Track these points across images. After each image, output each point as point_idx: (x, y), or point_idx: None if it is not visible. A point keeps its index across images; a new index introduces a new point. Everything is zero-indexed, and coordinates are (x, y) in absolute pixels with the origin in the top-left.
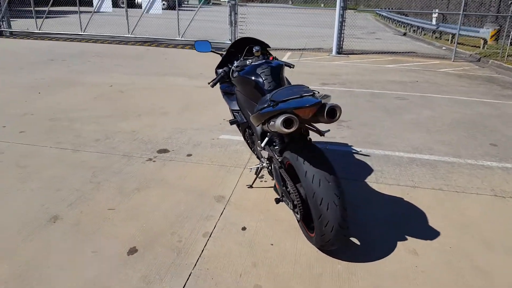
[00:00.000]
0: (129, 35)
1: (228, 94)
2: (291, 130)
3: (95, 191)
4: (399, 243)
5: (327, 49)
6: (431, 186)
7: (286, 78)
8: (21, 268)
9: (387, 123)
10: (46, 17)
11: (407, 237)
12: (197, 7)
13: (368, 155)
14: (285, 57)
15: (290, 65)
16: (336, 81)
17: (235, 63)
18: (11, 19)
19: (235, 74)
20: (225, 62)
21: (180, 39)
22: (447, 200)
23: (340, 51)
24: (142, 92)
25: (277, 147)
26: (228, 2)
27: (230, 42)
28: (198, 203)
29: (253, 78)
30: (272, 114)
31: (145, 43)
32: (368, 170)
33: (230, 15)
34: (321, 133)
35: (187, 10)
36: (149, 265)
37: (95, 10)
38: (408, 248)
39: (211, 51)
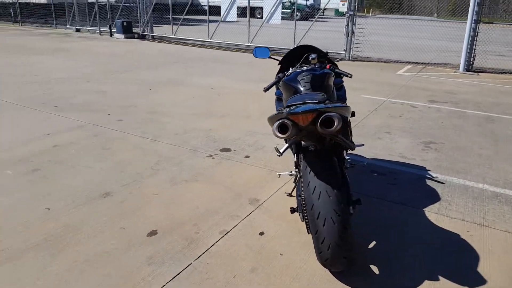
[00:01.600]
0: (249, 44)
1: (280, 100)
2: (286, 136)
3: (150, 177)
4: (426, 283)
5: (455, 65)
6: (505, 228)
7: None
8: (60, 229)
9: (488, 151)
10: (181, 24)
11: (440, 277)
12: (334, 17)
13: (443, 183)
14: (401, 71)
15: (346, 74)
16: (448, 99)
17: (290, 70)
18: (154, 25)
19: (281, 81)
20: (285, 69)
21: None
22: None
23: (469, 68)
24: (236, 96)
25: (300, 156)
26: (346, 12)
27: (344, 52)
28: (232, 201)
29: (292, 84)
30: (276, 119)
31: None
32: (434, 199)
33: (347, 25)
34: (350, 147)
35: (321, 21)
36: (159, 248)
37: (222, 19)
38: None
39: (269, 57)
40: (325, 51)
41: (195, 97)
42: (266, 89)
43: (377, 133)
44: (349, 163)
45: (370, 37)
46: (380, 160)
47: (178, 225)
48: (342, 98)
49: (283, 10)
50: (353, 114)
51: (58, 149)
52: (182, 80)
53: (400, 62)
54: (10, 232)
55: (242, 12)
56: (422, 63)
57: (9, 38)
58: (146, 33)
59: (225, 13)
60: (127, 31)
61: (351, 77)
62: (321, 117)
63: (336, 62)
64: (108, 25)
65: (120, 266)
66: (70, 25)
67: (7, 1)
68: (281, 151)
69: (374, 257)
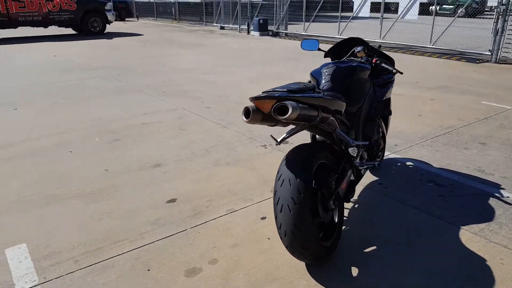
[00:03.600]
0: (380, 40)
1: None
2: (248, 120)
3: (201, 157)
4: None
5: None
6: None
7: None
8: (106, 186)
9: None
10: (313, 21)
11: None
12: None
13: (510, 204)
14: None
15: (392, 70)
16: None
17: None
18: (289, 23)
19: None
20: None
21: (431, 46)
22: None
23: None
24: None
25: None
26: (496, 7)
27: (489, 53)
28: (255, 187)
29: (315, 76)
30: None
31: (392, 49)
32: (483, 219)
33: (496, 22)
34: (347, 141)
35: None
36: (168, 213)
37: (354, 15)
38: None
39: (318, 49)
40: (376, 46)
41: None
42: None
43: (468, 143)
44: (359, 163)
45: None
46: (448, 170)
47: (196, 198)
48: (379, 95)
49: (444, 6)
50: (388, 113)
51: (144, 126)
52: (287, 75)
53: None
54: (69, 183)
55: (375, 7)
56: None
57: (163, 33)
58: (279, 31)
59: (358, 8)
60: (263, 28)
61: (395, 73)
62: (275, 104)
63: (478, 59)
64: (246, 23)
65: (131, 222)
66: (216, 23)
67: (168, 0)
68: (278, 139)
69: (363, 261)
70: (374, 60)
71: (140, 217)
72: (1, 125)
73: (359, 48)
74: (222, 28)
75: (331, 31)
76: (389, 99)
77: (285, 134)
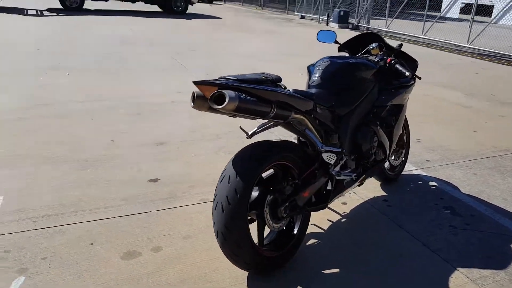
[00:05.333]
0: (467, 45)
1: None
2: (193, 105)
3: (208, 141)
4: None
5: None
6: None
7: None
8: (104, 156)
9: None
10: (397, 17)
11: None
12: None
13: None
14: None
15: (404, 73)
16: None
17: None
18: (372, 17)
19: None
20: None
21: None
22: None
23: None
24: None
25: None
26: None
27: None
28: None
29: (309, 70)
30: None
31: (479, 56)
32: (494, 264)
33: None
34: (317, 145)
35: None
36: (143, 192)
37: (441, 15)
38: None
39: (335, 42)
40: (397, 45)
41: None
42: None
43: None
44: (336, 172)
45: None
46: (477, 199)
47: (179, 182)
48: (383, 99)
49: None
50: (391, 121)
51: (171, 104)
52: None
53: None
54: (72, 147)
55: (465, 8)
56: None
57: (241, 18)
58: (360, 24)
59: (446, 8)
60: (343, 20)
61: (408, 76)
62: (214, 93)
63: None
64: (327, 14)
65: (104, 194)
66: (297, 12)
67: None
68: (249, 132)
69: (317, 281)
70: (388, 60)
71: (115, 191)
72: (48, 87)
73: (373, 45)
74: (302, 17)
75: (415, 30)
76: (399, 106)
77: (256, 128)
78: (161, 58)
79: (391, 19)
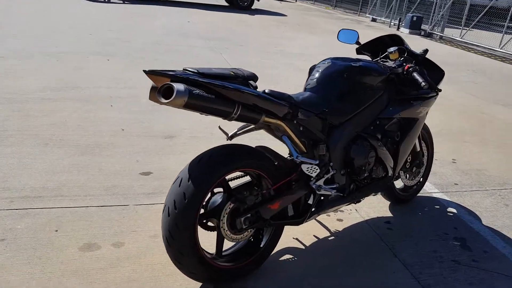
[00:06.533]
0: None
1: None
2: (149, 98)
3: (215, 139)
4: None
5: None
6: None
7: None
8: (105, 145)
9: None
10: (473, 27)
11: None
12: None
13: None
14: None
15: (420, 83)
16: None
17: None
18: (446, 25)
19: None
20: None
21: None
22: None
23: None
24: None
25: None
26: None
27: None
28: None
29: (310, 71)
30: None
31: None
32: None
33: None
34: (293, 155)
35: None
36: (129, 185)
37: None
38: None
39: (356, 43)
40: (421, 50)
41: None
42: None
43: None
44: (316, 185)
45: None
46: (498, 233)
47: (169, 178)
48: (391, 111)
49: None
50: (398, 137)
51: None
52: None
53: None
54: (80, 132)
55: None
56: None
57: (308, 16)
58: (434, 32)
59: None
60: (414, 26)
61: (424, 87)
62: (163, 85)
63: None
64: (398, 18)
65: (91, 181)
66: (368, 14)
67: None
68: (230, 134)
69: None
70: (406, 67)
71: (103, 180)
72: (83, 71)
73: (392, 49)
74: (373, 20)
75: (492, 42)
76: (411, 120)
77: (236, 129)
78: (207, 51)
79: (467, 28)
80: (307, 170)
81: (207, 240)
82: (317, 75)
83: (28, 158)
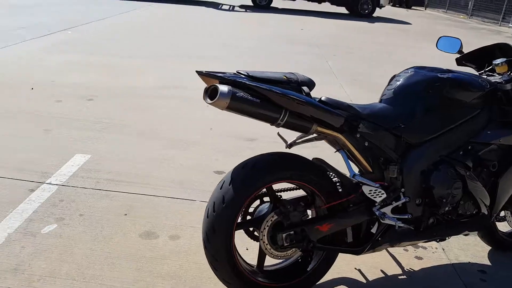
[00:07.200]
0: None
1: None
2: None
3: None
4: None
5: None
6: None
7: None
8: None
9: None
10: None
11: None
12: None
13: None
14: None
15: None
16: None
17: None
18: None
19: None
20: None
21: None
22: None
23: None
24: None
25: None
26: None
27: None
28: None
29: (390, 81)
30: None
31: None
32: None
33: None
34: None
35: None
36: (207, 182)
37: None
38: None
39: (458, 52)
40: None
41: None
42: None
43: None
44: (380, 212)
45: None
46: None
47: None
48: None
49: None
50: (493, 167)
51: None
52: None
53: None
54: (168, 128)
55: None
56: None
57: (435, 26)
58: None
59: None
60: None
61: None
62: (209, 86)
63: None
64: None
65: (172, 172)
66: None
67: None
68: (289, 142)
69: None
70: None
71: (179, 174)
72: (151, 70)
73: (499, 61)
74: None
75: None
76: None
77: (295, 138)
78: (313, 58)
79: None
80: (370, 193)
81: (254, 252)
82: (395, 85)
83: (120, 146)
